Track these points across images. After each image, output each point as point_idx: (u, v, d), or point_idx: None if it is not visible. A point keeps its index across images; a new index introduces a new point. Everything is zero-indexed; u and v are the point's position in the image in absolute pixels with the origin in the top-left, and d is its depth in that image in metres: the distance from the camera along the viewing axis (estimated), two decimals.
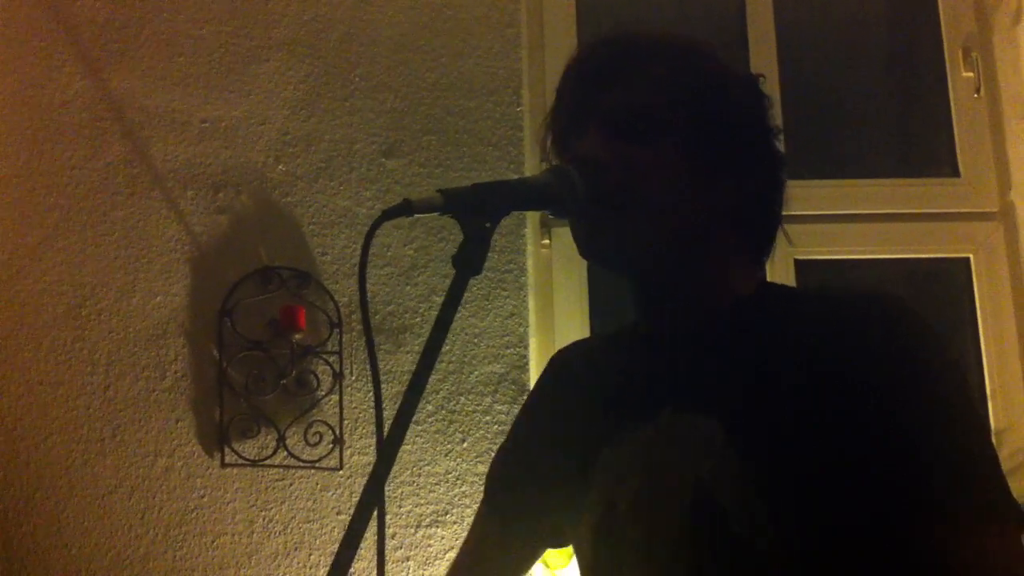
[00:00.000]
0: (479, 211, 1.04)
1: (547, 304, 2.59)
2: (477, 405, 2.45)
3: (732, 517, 1.09)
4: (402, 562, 2.37)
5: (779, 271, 2.54)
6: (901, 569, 1.05)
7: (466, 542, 1.39)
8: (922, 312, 1.12)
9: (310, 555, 2.37)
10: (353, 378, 2.45)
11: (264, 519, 2.38)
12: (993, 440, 1.09)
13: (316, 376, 2.43)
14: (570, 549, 2.23)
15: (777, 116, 1.28)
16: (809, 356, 1.10)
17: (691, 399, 1.15)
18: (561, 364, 1.37)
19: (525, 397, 2.42)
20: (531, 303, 2.54)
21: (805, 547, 1.06)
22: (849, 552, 1.06)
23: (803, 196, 2.63)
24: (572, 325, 2.56)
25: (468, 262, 1.02)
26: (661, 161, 1.16)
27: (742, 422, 1.11)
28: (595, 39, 1.26)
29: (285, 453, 2.40)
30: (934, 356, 1.10)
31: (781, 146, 1.24)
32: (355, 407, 2.44)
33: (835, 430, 1.06)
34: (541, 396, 1.37)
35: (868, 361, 1.07)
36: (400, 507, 2.39)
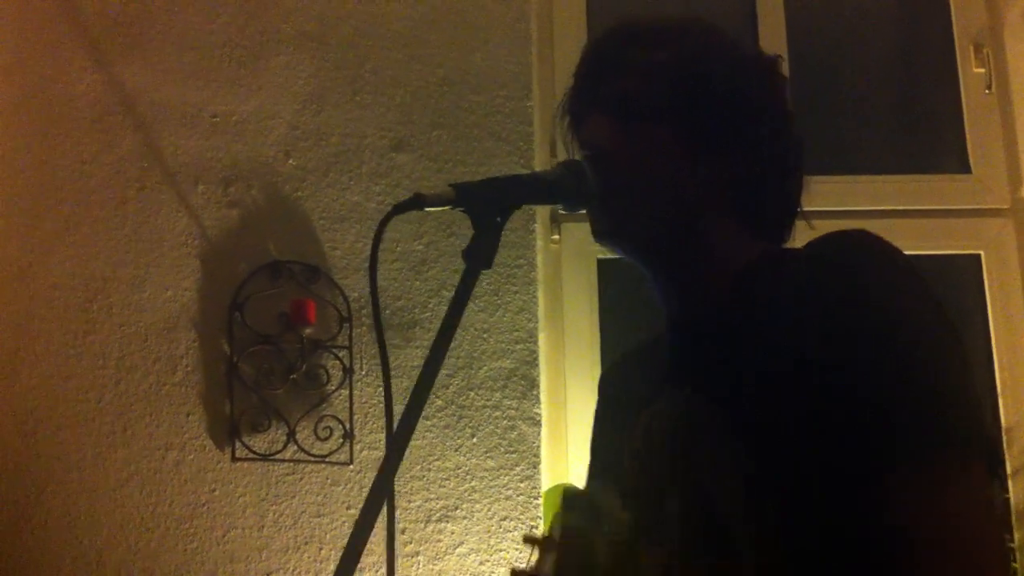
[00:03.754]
0: (490, 205, 1.05)
1: (556, 299, 2.59)
2: (487, 400, 2.45)
3: (716, 494, 1.08)
4: (412, 556, 2.37)
5: None
6: (865, 525, 1.00)
7: None
8: (893, 249, 1.07)
9: (320, 549, 2.38)
10: (363, 372, 2.45)
11: (274, 513, 2.39)
12: (959, 372, 1.02)
13: (326, 370, 2.43)
14: None
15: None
16: (782, 318, 1.07)
17: (682, 374, 1.16)
18: (602, 382, 1.40)
19: (534, 392, 2.44)
20: (540, 298, 2.54)
21: (786, 528, 1.03)
22: (823, 519, 1.02)
23: (813, 192, 2.61)
24: (581, 320, 2.56)
25: (479, 256, 1.02)
26: (668, 148, 1.16)
27: (724, 393, 1.09)
28: (605, 29, 1.27)
29: (295, 447, 2.41)
30: (889, 292, 1.04)
31: (792, 125, 1.21)
32: (365, 402, 2.44)
33: (809, 395, 1.02)
34: (595, 420, 1.39)
35: (827, 313, 1.03)
36: (410, 502, 2.39)
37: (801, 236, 1.22)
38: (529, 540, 1.19)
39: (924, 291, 1.05)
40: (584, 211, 1.20)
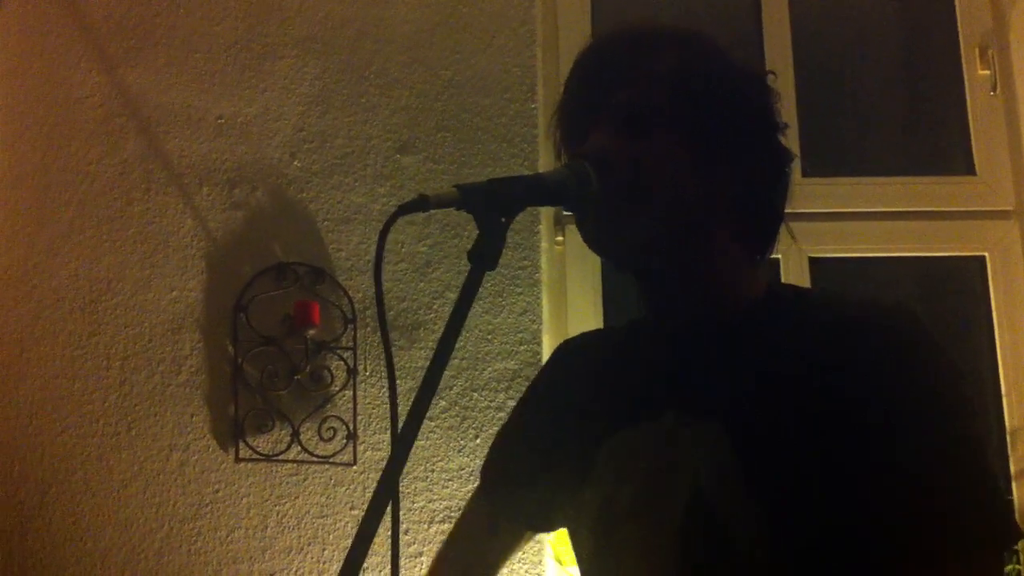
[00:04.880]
0: (495, 206, 1.05)
1: (560, 301, 2.59)
2: (490, 401, 2.45)
3: (729, 524, 1.09)
4: (415, 558, 2.37)
5: (793, 269, 2.54)
6: None
7: (457, 521, 1.41)
8: (934, 332, 1.11)
9: (323, 550, 2.38)
10: (367, 374, 2.45)
11: (278, 514, 2.39)
12: (991, 462, 1.09)
13: (330, 372, 2.44)
14: None
15: (791, 113, 1.27)
16: (816, 366, 1.10)
17: (695, 402, 1.15)
18: (567, 355, 1.38)
19: None
20: (544, 300, 2.54)
21: (799, 559, 1.06)
22: (839, 566, 1.05)
23: (818, 194, 2.63)
24: (585, 322, 2.56)
25: (484, 257, 1.02)
26: (671, 156, 1.16)
27: (744, 429, 1.10)
28: (602, 34, 1.27)
29: (299, 448, 2.41)
30: (941, 381, 1.08)
31: (786, 142, 1.23)
32: (369, 403, 2.44)
33: (835, 444, 1.05)
34: (545, 385, 1.38)
35: (875, 379, 1.07)
36: (413, 503, 2.40)
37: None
38: None
39: (963, 378, 1.11)
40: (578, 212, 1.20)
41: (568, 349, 1.38)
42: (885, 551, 1.03)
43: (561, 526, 1.32)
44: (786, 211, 1.24)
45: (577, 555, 1.28)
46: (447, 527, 2.38)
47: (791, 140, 1.29)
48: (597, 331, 1.44)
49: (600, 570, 1.21)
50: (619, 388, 1.24)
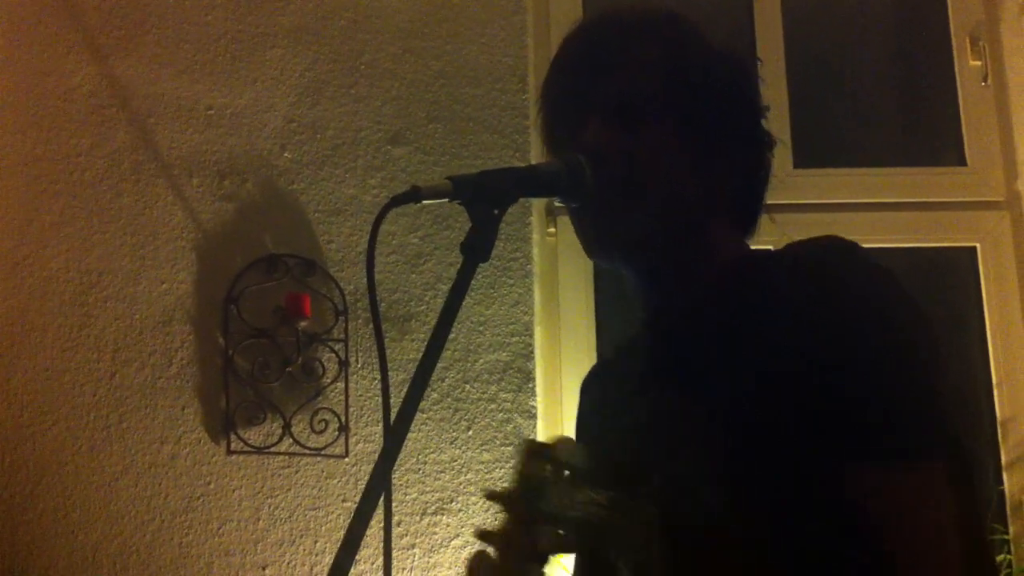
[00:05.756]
0: (487, 198, 1.04)
1: (552, 292, 2.59)
2: (482, 393, 2.45)
3: (699, 492, 1.08)
4: (407, 549, 2.37)
5: None
6: (830, 524, 1.02)
7: None
8: (870, 258, 1.09)
9: (315, 542, 2.38)
10: (359, 366, 2.45)
11: (270, 506, 2.39)
12: (929, 376, 1.05)
13: (322, 364, 2.43)
14: None
15: (782, 104, 1.27)
16: (763, 319, 1.08)
17: (670, 377, 1.16)
18: (590, 388, 1.39)
19: (530, 385, 2.44)
20: (536, 291, 2.54)
21: (763, 521, 1.04)
22: (791, 516, 1.03)
23: (809, 184, 2.63)
24: (577, 313, 2.56)
25: (476, 249, 1.02)
26: (665, 148, 1.16)
27: (710, 395, 1.10)
28: (587, 20, 1.26)
29: (291, 441, 2.41)
30: (872, 300, 1.06)
31: (767, 126, 1.22)
32: (360, 395, 2.44)
33: (787, 390, 1.03)
34: (580, 428, 1.38)
35: (808, 314, 1.05)
36: (405, 495, 2.40)
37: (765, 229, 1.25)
38: (491, 496, 1.19)
39: (903, 293, 1.09)
40: (571, 207, 1.20)
41: (588, 382, 1.40)
42: (826, 467, 1.01)
43: None
44: (776, 202, 1.24)
45: None
46: (439, 519, 2.38)
47: (782, 131, 1.29)
48: (611, 351, 1.44)
49: (593, 558, 1.21)
50: (624, 390, 1.24)
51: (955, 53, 2.74)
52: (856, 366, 1.02)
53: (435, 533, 2.39)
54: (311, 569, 2.36)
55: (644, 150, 1.15)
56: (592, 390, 1.38)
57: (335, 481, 2.41)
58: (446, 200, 1.04)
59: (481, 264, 1.02)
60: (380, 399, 0.99)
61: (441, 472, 2.41)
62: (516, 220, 2.52)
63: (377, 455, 0.97)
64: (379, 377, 2.38)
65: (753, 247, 1.25)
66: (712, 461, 1.07)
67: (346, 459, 2.41)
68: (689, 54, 1.19)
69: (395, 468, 2.34)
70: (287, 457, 2.41)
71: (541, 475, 1.12)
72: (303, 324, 2.41)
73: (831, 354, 1.03)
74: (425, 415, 2.42)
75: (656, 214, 1.15)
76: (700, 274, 1.19)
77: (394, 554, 2.35)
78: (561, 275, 2.60)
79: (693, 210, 1.17)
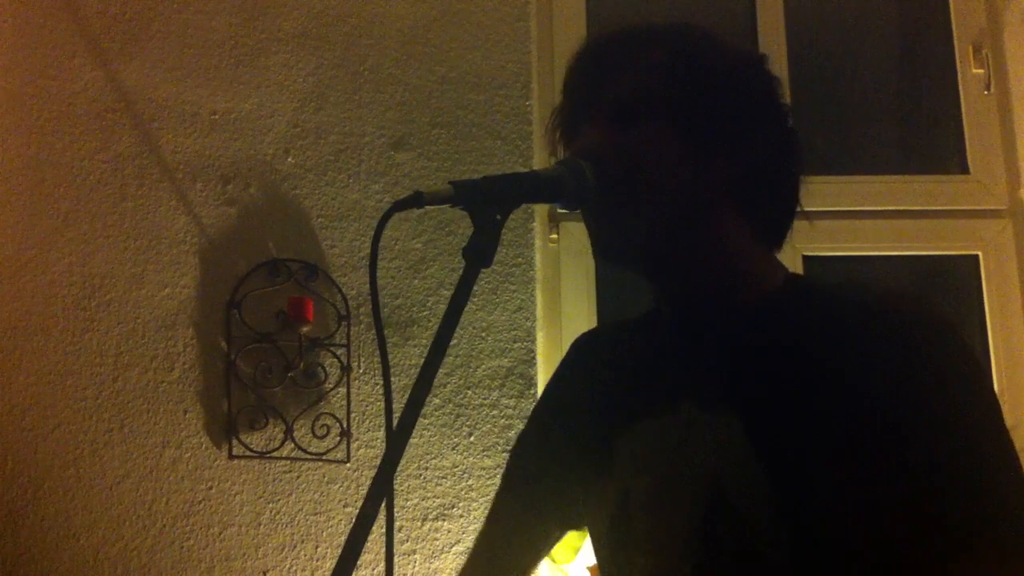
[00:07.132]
0: (490, 203, 1.04)
1: (554, 298, 2.59)
2: (484, 399, 2.45)
3: (745, 521, 1.08)
4: (408, 555, 2.37)
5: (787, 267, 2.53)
6: None
7: (485, 524, 1.39)
8: (958, 327, 1.09)
9: (317, 547, 2.38)
10: (361, 371, 2.45)
11: (271, 511, 2.39)
12: (1012, 453, 1.04)
13: (324, 369, 2.43)
14: (576, 543, 2.23)
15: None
16: (831, 357, 1.08)
17: (712, 395, 1.14)
18: (584, 349, 1.37)
19: (531, 391, 2.44)
20: (539, 297, 2.54)
21: (816, 560, 1.05)
22: (859, 566, 1.04)
23: (811, 192, 2.60)
24: (579, 319, 2.56)
25: (479, 254, 1.02)
26: (660, 142, 1.15)
27: (762, 424, 1.09)
28: (595, 35, 1.26)
29: (292, 445, 2.41)
30: (966, 380, 1.06)
31: (791, 125, 1.21)
32: (363, 400, 2.44)
33: (851, 438, 1.04)
34: (563, 380, 1.37)
35: (889, 370, 1.05)
36: (407, 500, 2.39)
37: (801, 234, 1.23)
38: None
39: (980, 369, 1.09)
40: (580, 211, 1.19)
41: (583, 342, 1.38)
42: (901, 548, 1.02)
43: (590, 526, 1.31)
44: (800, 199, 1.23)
45: (595, 546, 1.27)
46: (440, 524, 2.38)
47: None
48: (613, 322, 1.43)
49: (617, 562, 1.21)
50: (635, 380, 1.24)
51: (958, 61, 2.75)
52: (953, 449, 1.02)
53: (436, 539, 2.38)
54: (312, 574, 2.36)
55: (639, 146, 1.15)
56: (586, 357, 1.36)
57: (337, 486, 2.41)
58: (449, 205, 1.04)
59: (483, 270, 1.02)
60: (382, 404, 0.98)
61: (443, 478, 2.41)
62: (518, 226, 2.52)
63: (379, 460, 0.96)
64: (381, 382, 2.39)
65: (787, 268, 1.24)
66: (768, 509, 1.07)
67: (348, 464, 2.41)
68: (692, 55, 1.18)
69: (396, 474, 2.34)
70: (289, 462, 2.41)
71: None
72: (305, 329, 2.41)
73: (930, 433, 1.02)
74: (427, 421, 2.42)
75: (659, 217, 1.15)
76: (735, 290, 1.18)
77: (395, 560, 2.35)
78: (563, 281, 2.60)
79: (699, 213, 1.16)
